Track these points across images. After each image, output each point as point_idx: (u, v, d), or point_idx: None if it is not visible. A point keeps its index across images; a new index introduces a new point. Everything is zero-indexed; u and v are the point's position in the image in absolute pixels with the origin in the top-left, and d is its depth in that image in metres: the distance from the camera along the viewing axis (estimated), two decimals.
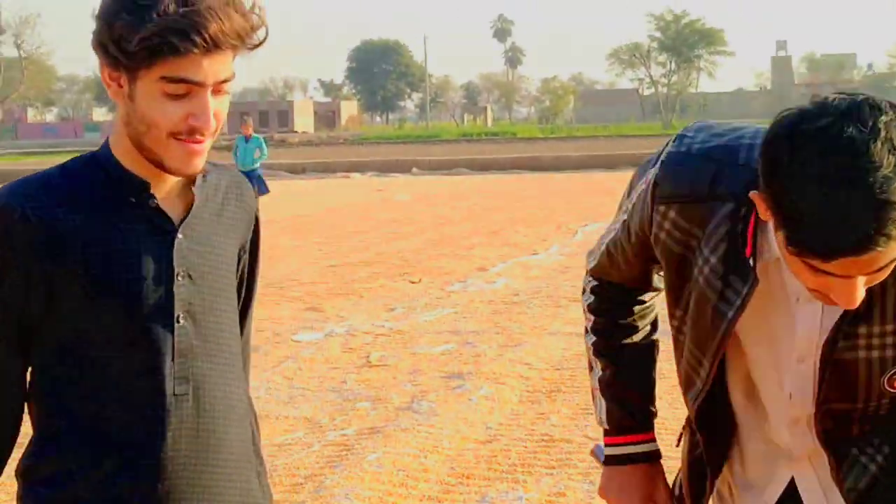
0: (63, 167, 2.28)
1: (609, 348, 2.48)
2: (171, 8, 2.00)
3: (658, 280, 2.47)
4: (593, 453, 2.58)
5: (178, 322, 2.22)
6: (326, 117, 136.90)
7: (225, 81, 2.13)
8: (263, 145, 25.58)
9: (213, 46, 2.04)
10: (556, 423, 7.90)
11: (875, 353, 2.10)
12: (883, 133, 1.76)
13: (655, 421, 2.56)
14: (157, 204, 2.21)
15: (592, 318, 2.54)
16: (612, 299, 2.52)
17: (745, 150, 2.12)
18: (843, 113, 1.79)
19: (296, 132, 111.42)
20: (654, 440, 2.48)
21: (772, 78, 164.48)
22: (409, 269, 16.43)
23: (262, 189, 24.22)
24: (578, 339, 10.35)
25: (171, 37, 1.99)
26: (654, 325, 2.56)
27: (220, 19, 2.03)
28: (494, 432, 7.80)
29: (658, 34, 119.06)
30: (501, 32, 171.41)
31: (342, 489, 6.52)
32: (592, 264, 2.55)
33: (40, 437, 2.27)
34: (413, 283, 15.05)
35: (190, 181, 2.29)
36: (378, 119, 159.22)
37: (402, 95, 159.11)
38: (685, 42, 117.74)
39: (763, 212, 1.95)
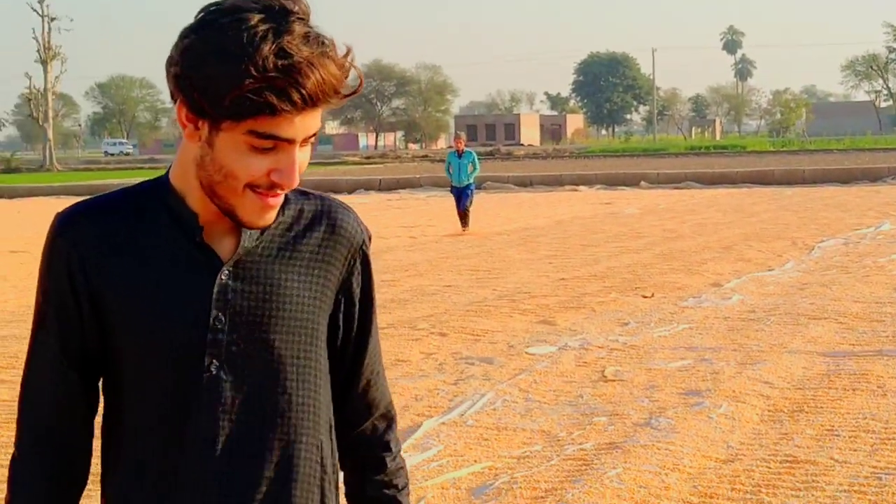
0: (126, 195, 2.14)
1: None
2: (270, 62, 1.85)
3: None
4: None
5: (209, 372, 2.04)
6: (552, 130, 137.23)
7: (314, 135, 2.00)
8: (476, 160, 25.72)
9: (310, 104, 1.91)
10: (800, 443, 7.74)
11: None
12: None
13: None
14: (203, 239, 2.05)
15: None
16: None
17: None
18: None
19: (522, 145, 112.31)
20: None
21: None
22: (640, 283, 16.31)
23: (467, 201, 24.99)
24: (820, 359, 10.27)
25: (269, 95, 1.86)
26: None
27: (319, 74, 1.89)
28: (736, 451, 7.70)
29: None
30: (731, 44, 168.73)
31: (586, 498, 6.58)
32: None
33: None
34: (646, 297, 14.95)
35: None
36: (604, 132, 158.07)
37: (629, 108, 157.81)
38: None
39: None
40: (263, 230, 2.09)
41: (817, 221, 26.15)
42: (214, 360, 2.03)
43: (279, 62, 1.85)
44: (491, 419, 8.73)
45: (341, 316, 2.21)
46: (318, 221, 2.17)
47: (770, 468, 7.25)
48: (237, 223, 2.03)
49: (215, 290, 2.04)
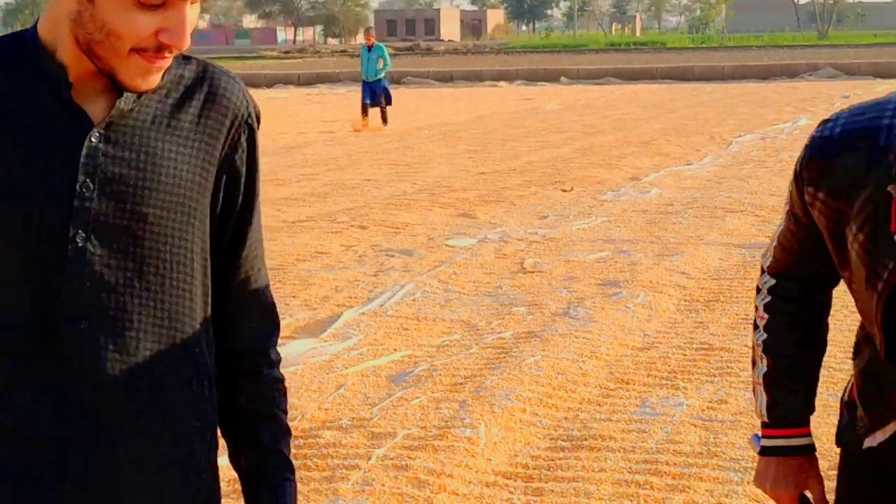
0: None
1: (777, 346, 2.44)
2: None
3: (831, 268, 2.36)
4: (751, 442, 2.59)
5: (73, 244, 1.82)
6: (473, 26, 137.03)
7: None
8: (386, 55, 25.33)
9: None
10: (716, 332, 7.94)
11: None
12: None
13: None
14: (72, 97, 1.83)
15: (767, 316, 2.47)
16: (788, 299, 2.45)
17: (884, 131, 2.10)
18: None
19: (442, 40, 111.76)
20: (810, 435, 2.47)
21: None
22: (560, 177, 16.48)
23: (387, 100, 24.50)
24: (736, 250, 10.49)
25: None
26: (823, 328, 2.51)
27: None
28: (652, 339, 7.89)
29: None
30: None
31: (502, 390, 6.65)
32: (768, 262, 2.49)
33: None
34: (565, 191, 15.10)
35: None
36: (524, 28, 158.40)
37: (549, 4, 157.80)
38: None
39: None
40: (141, 94, 1.89)
41: (736, 117, 26.51)
42: (81, 231, 1.82)
43: None
44: (411, 309, 8.84)
45: (221, 196, 2.01)
46: (199, 88, 1.98)
47: (685, 355, 7.44)
48: (116, 85, 1.82)
49: (83, 153, 1.82)
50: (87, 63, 1.80)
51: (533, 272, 10.03)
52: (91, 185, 1.82)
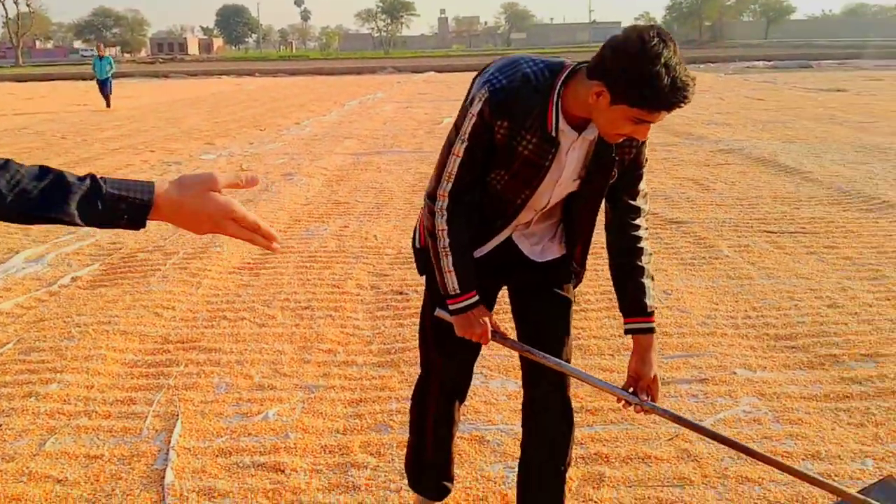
0: None
1: (457, 245, 2.10)
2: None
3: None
4: (440, 314, 2.23)
5: None
6: (206, 46, 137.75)
7: None
8: (112, 62, 21.73)
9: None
10: (342, 194, 8.34)
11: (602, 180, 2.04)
12: (676, 44, 1.76)
13: None
14: None
15: (446, 227, 2.09)
16: (461, 210, 2.09)
17: (531, 74, 1.94)
18: (658, 34, 1.74)
19: (189, 54, 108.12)
20: (477, 294, 2.14)
21: (438, 29, 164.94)
22: (258, 124, 16.50)
23: (110, 90, 21.58)
24: (350, 157, 10.95)
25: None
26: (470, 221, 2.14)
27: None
28: (311, 199, 8.18)
29: (381, 3, 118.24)
30: (299, 1, 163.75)
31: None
32: (448, 187, 2.07)
33: None
34: (261, 130, 15.20)
35: None
36: (234, 48, 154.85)
37: (247, 35, 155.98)
38: (394, 7, 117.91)
39: (597, 99, 1.82)
40: None
41: (346, 92, 27.10)
42: None
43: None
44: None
45: None
46: None
47: (326, 205, 7.79)
48: None
49: None
50: None
51: (247, 170, 10.04)
52: None
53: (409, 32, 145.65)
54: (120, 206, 1.21)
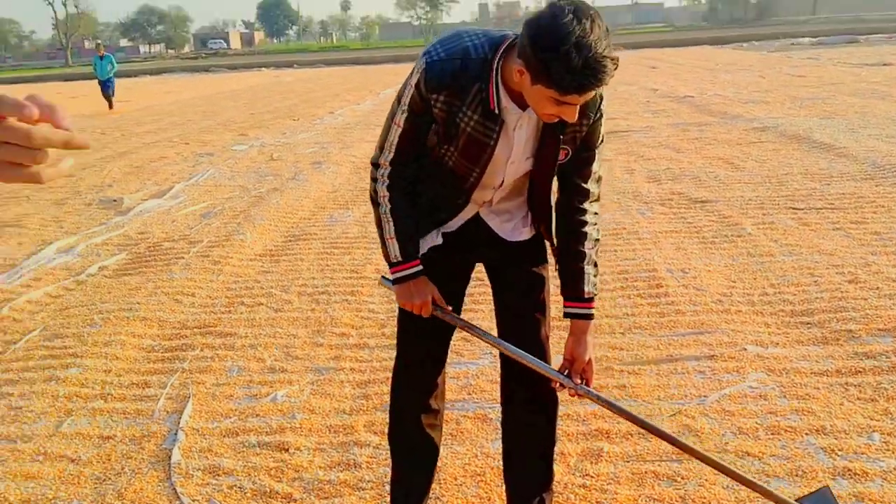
0: None
1: (399, 211, 2.06)
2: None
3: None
4: (382, 283, 2.23)
5: None
6: (247, 40, 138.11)
7: None
8: (114, 61, 20.60)
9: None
10: (367, 182, 8.82)
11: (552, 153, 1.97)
12: (596, 21, 1.63)
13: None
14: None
15: (388, 193, 2.06)
16: (403, 178, 2.05)
17: (471, 48, 1.88)
18: (574, 12, 1.64)
19: (231, 48, 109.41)
20: (420, 263, 2.12)
21: (479, 15, 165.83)
22: (292, 114, 16.60)
23: (112, 92, 20.43)
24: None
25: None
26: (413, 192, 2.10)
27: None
28: (338, 186, 8.27)
29: None
30: None
31: (259, 215, 6.84)
32: (390, 157, 2.04)
33: None
34: (294, 120, 15.28)
35: None
36: (275, 40, 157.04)
37: (288, 27, 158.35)
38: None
39: (521, 77, 1.74)
40: None
41: (383, 81, 27.10)
42: None
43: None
44: (211, 181, 8.90)
45: None
46: None
47: (352, 192, 7.87)
48: None
49: None
50: None
51: (277, 160, 10.22)
52: None
53: (449, 20, 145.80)
54: None
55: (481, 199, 2.13)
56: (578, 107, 1.73)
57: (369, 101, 19.27)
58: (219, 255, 5.69)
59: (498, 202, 2.15)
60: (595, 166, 2.06)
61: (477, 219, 2.17)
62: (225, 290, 4.93)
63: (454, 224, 2.17)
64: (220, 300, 4.74)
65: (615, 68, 1.66)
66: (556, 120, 1.82)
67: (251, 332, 4.19)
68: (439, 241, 2.16)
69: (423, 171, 2.10)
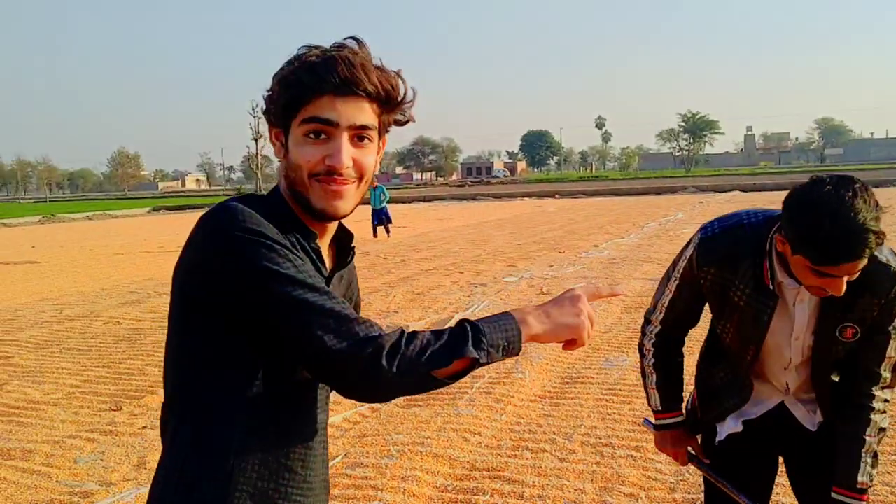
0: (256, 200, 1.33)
1: (662, 368, 2.25)
2: (312, 56, 1.32)
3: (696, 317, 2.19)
4: (644, 424, 2.42)
5: None
6: (510, 168, 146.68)
7: (363, 129, 1.33)
8: (385, 191, 21.34)
9: (344, 87, 1.30)
10: (639, 322, 8.60)
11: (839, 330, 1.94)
12: (859, 194, 1.63)
13: None
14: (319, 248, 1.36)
15: (653, 349, 2.26)
16: (670, 341, 2.24)
17: (747, 224, 1.93)
18: (835, 183, 1.65)
19: (495, 177, 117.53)
20: (683, 414, 2.30)
21: (744, 146, 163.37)
22: (557, 245, 16.96)
23: (388, 220, 21.15)
24: (650, 283, 10.49)
25: (303, 75, 1.30)
26: (683, 353, 2.31)
27: (353, 65, 1.30)
28: (609, 326, 8.06)
29: (683, 123, 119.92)
30: (600, 124, 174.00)
31: (536, 351, 6.74)
32: (660, 316, 2.21)
33: None
34: (561, 252, 15.57)
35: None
36: (536, 169, 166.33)
37: (548, 158, 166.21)
38: (697, 126, 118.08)
39: (783, 247, 1.78)
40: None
41: (645, 213, 26.94)
42: None
43: (318, 53, 1.32)
44: (486, 312, 8.63)
45: None
46: None
47: (626, 333, 7.57)
48: (314, 213, 1.35)
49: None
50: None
51: (547, 294, 10.37)
52: None
53: (711, 150, 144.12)
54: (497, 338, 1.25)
55: (776, 381, 2.10)
56: (845, 280, 1.68)
57: (633, 234, 19.19)
58: (500, 393, 5.78)
59: (798, 388, 2.10)
60: (890, 351, 1.95)
61: (782, 408, 2.13)
62: (509, 431, 5.01)
63: (755, 411, 2.15)
64: (505, 442, 4.82)
65: (880, 242, 1.62)
66: (827, 294, 1.77)
67: (538, 482, 4.19)
68: (739, 428, 2.13)
69: (710, 352, 2.22)
